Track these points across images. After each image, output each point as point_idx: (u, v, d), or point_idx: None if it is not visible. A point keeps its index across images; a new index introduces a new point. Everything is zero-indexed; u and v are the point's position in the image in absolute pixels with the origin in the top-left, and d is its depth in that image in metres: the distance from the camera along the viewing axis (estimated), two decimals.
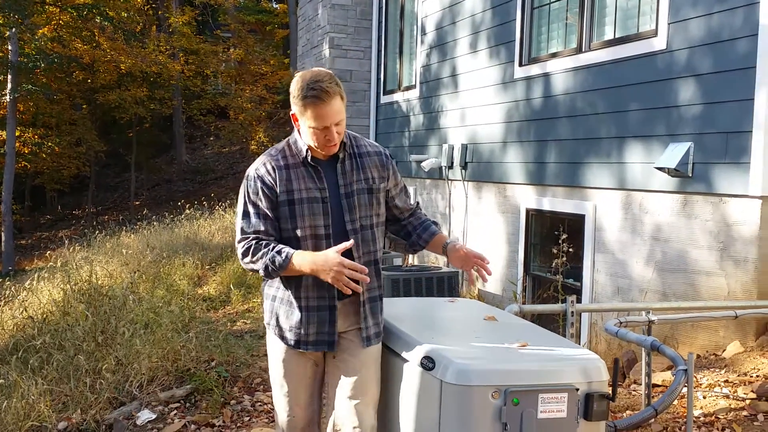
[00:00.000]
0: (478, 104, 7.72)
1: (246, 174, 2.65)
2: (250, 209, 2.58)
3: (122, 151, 23.52)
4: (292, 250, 2.51)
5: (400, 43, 9.88)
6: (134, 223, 14.54)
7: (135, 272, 8.08)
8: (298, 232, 2.56)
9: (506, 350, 2.49)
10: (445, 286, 6.66)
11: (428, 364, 2.41)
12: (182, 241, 11.52)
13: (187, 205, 14.52)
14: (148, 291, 7.72)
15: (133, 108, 20.69)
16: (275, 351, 2.71)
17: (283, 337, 2.65)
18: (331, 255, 2.46)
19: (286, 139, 2.71)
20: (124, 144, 23.25)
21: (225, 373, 5.02)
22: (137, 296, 6.82)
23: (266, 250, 2.52)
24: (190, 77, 21.85)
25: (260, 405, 4.69)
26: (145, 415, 4.58)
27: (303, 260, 2.49)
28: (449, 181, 8.31)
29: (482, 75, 7.62)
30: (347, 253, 2.54)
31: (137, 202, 21.57)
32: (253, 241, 2.55)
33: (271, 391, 4.80)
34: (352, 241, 2.52)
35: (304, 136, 2.58)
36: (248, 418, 4.50)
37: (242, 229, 2.59)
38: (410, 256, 8.00)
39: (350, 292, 2.46)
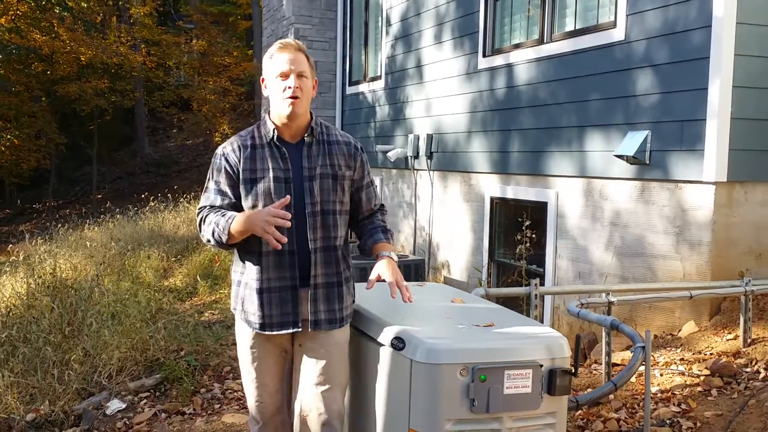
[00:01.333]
0: (443, 95, 7.80)
1: (215, 152, 2.72)
2: (211, 185, 2.65)
3: (83, 144, 23.10)
4: (236, 213, 2.54)
5: (365, 34, 9.91)
6: (97, 217, 14.34)
7: (101, 264, 8.00)
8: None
9: (473, 330, 2.56)
10: (412, 273, 6.76)
11: (398, 344, 2.48)
12: (147, 233, 11.43)
13: (151, 198, 14.36)
14: (114, 283, 7.66)
15: (94, 100, 20.30)
16: (243, 337, 2.72)
17: (249, 322, 2.66)
18: (264, 209, 2.50)
19: (257, 122, 2.76)
20: (85, 137, 22.84)
21: (194, 362, 5.04)
22: (103, 288, 6.77)
23: (215, 215, 2.57)
24: (152, 69, 21.51)
25: (230, 392, 4.72)
26: (115, 405, 4.57)
27: (241, 218, 2.51)
28: (415, 171, 8.39)
29: (447, 66, 7.70)
30: (302, 235, 2.59)
31: (99, 196, 21.25)
32: (206, 211, 2.61)
33: (241, 378, 4.85)
34: (288, 197, 2.50)
35: (272, 98, 2.63)
36: (219, 406, 4.52)
37: (202, 203, 2.67)
38: None
39: (279, 247, 2.46)
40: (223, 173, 2.62)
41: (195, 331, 5.77)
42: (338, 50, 10.47)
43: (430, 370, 2.37)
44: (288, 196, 2.52)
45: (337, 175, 2.67)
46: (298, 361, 2.71)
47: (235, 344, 5.84)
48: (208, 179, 2.68)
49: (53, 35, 19.67)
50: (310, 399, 2.65)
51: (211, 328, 6.26)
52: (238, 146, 2.64)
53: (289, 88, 2.57)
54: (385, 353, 2.57)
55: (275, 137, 2.63)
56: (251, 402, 2.77)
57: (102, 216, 13.91)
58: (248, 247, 2.62)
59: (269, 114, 2.69)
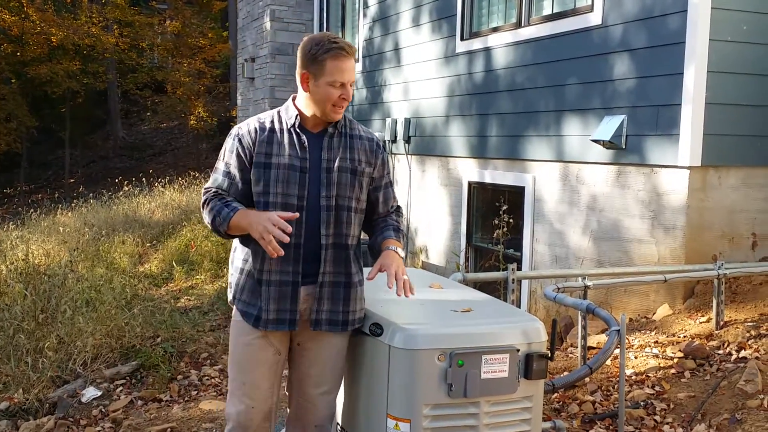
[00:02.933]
0: (420, 78, 7.79)
1: (230, 132, 2.59)
2: (221, 166, 2.54)
3: (55, 127, 22.77)
4: (240, 206, 2.46)
5: (343, 17, 9.86)
6: (70, 201, 14.18)
7: (74, 250, 7.93)
8: (269, 198, 2.46)
9: (451, 315, 2.58)
10: None
11: (376, 330, 2.49)
12: (121, 218, 11.33)
13: (125, 182, 14.23)
14: (88, 269, 7.60)
15: (66, 82, 20.02)
16: (238, 334, 2.57)
17: (245, 313, 2.53)
18: (269, 213, 2.39)
19: (278, 108, 2.64)
20: (57, 119, 22.51)
21: (171, 349, 5.03)
22: (77, 275, 6.72)
23: (219, 202, 2.46)
24: (125, 50, 21.20)
25: (207, 379, 4.72)
26: (90, 393, 4.56)
27: (244, 214, 2.42)
28: (393, 156, 8.39)
29: (425, 49, 7.69)
30: (312, 229, 2.49)
31: (72, 180, 21.00)
32: (212, 194, 2.50)
33: (218, 365, 4.86)
34: (297, 214, 2.41)
35: (316, 98, 2.49)
36: (196, 392, 4.53)
37: (208, 184, 2.57)
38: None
39: (275, 256, 2.35)
40: (235, 155, 2.51)
41: (171, 317, 5.75)
42: (315, 32, 10.37)
43: (408, 356, 2.38)
44: (296, 213, 2.42)
45: (357, 170, 2.56)
46: (296, 361, 2.62)
47: (211, 330, 5.85)
48: (220, 159, 2.56)
49: (23, 15, 19.32)
50: (305, 402, 2.61)
51: (188, 314, 6.25)
52: (255, 128, 2.52)
53: (344, 99, 2.48)
54: (364, 340, 2.58)
55: (297, 124, 2.53)
56: (239, 407, 2.54)
57: (75, 201, 13.76)
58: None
59: (294, 100, 2.58)
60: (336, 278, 2.55)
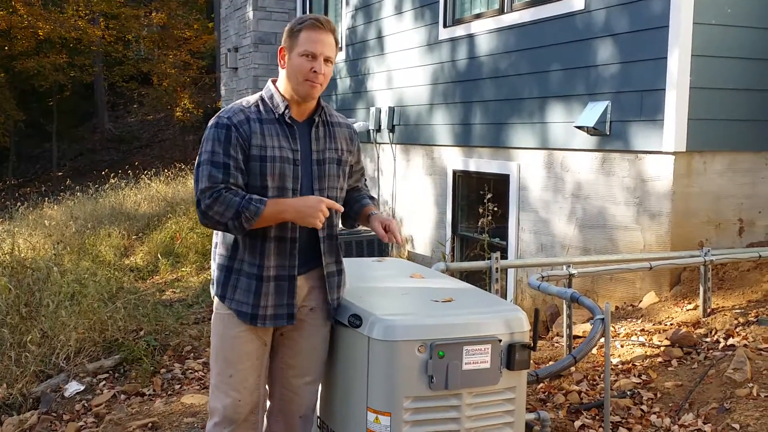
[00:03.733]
0: (404, 66, 7.69)
1: (215, 122, 2.40)
2: (220, 158, 2.33)
3: (42, 121, 22.53)
4: (263, 198, 2.33)
5: (325, 5, 9.73)
6: (57, 194, 14.04)
7: (58, 243, 7.81)
8: (266, 192, 2.37)
9: (432, 305, 2.51)
10: (375, 247, 6.70)
11: (355, 321, 2.42)
12: (107, 211, 11.20)
13: (112, 175, 14.08)
14: (73, 263, 7.48)
15: (53, 75, 19.80)
16: (225, 328, 2.46)
17: (240, 312, 2.43)
18: (311, 197, 2.35)
19: (258, 94, 2.52)
20: (45, 113, 22.27)
21: (154, 342, 4.94)
22: (62, 268, 6.61)
23: (237, 198, 2.30)
24: (111, 43, 20.99)
25: (191, 372, 4.64)
26: (73, 387, 4.47)
27: (279, 204, 2.32)
28: (377, 145, 8.30)
29: (408, 37, 7.59)
30: (314, 231, 2.45)
31: (60, 173, 20.79)
32: (223, 190, 2.31)
33: (202, 358, 4.77)
34: (342, 208, 2.44)
35: (289, 73, 2.40)
36: (179, 386, 4.44)
37: (210, 176, 2.32)
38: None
39: (319, 227, 2.34)
40: (234, 145, 2.34)
41: (155, 310, 5.65)
42: None
43: (387, 348, 2.31)
44: (342, 207, 2.44)
45: (341, 160, 2.54)
46: (279, 351, 2.56)
47: (195, 323, 5.75)
48: (213, 151, 2.34)
49: (10, 10, 19.08)
50: (288, 392, 2.56)
51: (172, 307, 6.16)
52: (247, 118, 2.38)
53: (314, 72, 2.37)
54: (343, 331, 2.51)
55: (288, 113, 2.43)
56: (225, 401, 2.46)
57: (62, 194, 13.61)
58: (251, 230, 2.39)
59: (275, 84, 2.49)
60: (330, 267, 2.54)
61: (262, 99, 2.48)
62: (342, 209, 2.45)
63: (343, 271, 2.60)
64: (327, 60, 2.41)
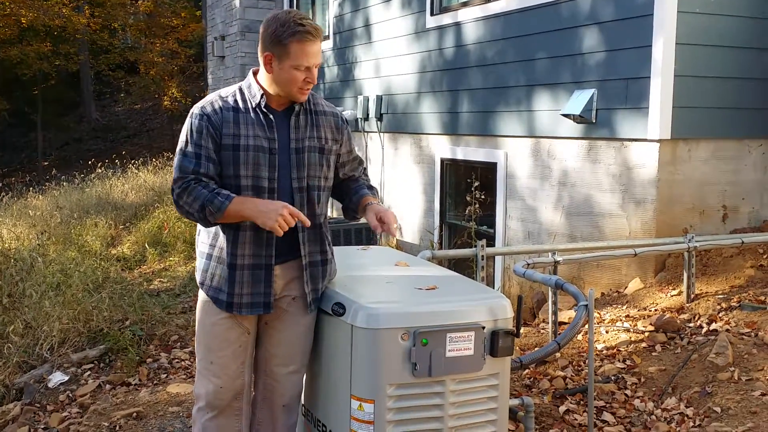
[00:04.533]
0: (391, 55, 7.67)
1: (191, 111, 2.44)
2: (191, 149, 2.36)
3: (27, 110, 22.31)
4: (232, 193, 2.34)
5: None
6: (43, 184, 13.94)
7: (43, 233, 7.75)
8: (240, 182, 2.37)
9: (415, 293, 2.51)
10: (363, 236, 6.69)
11: (339, 310, 2.42)
12: (94, 201, 11.13)
13: (99, 164, 13.98)
14: (59, 252, 7.44)
15: (37, 64, 19.56)
16: (206, 315, 2.49)
17: (217, 300, 2.45)
18: (278, 201, 2.33)
19: (238, 84, 2.52)
20: (29, 102, 22.04)
21: (140, 332, 4.92)
22: (47, 258, 6.57)
23: (206, 191, 2.32)
24: (97, 31, 20.74)
25: (177, 362, 4.62)
26: (57, 377, 4.44)
27: (244, 203, 2.32)
28: (365, 133, 8.28)
29: (395, 25, 7.56)
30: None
31: (46, 163, 20.63)
32: (192, 181, 2.33)
33: (189, 347, 4.75)
34: (308, 223, 2.38)
35: (279, 81, 2.39)
36: (165, 375, 4.43)
37: (181, 167, 2.36)
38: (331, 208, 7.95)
39: (281, 233, 2.31)
40: (206, 135, 2.35)
41: (141, 300, 5.63)
42: (283, 9, 10.20)
43: (370, 336, 2.31)
44: (309, 222, 2.38)
45: (324, 149, 2.50)
46: (263, 340, 2.56)
47: (183, 312, 5.74)
48: (186, 141, 2.37)
49: None
50: (272, 381, 2.56)
51: (159, 297, 6.13)
52: (221, 107, 2.39)
53: (309, 82, 2.38)
54: (326, 320, 2.51)
55: (263, 103, 2.42)
56: (208, 387, 2.48)
57: (47, 183, 13.52)
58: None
59: (256, 75, 2.47)
60: (314, 257, 2.51)
61: (240, 89, 2.48)
62: (309, 223, 2.37)
63: (330, 261, 2.58)
64: (317, 66, 2.41)
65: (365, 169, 2.81)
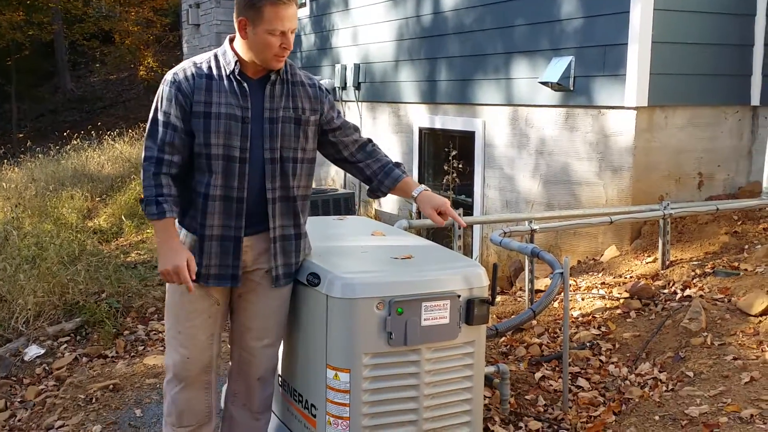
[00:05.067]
0: (369, 22, 7.57)
1: (164, 78, 2.39)
2: (160, 117, 2.32)
3: (1, 81, 21.91)
4: (170, 211, 2.29)
5: None
6: (17, 156, 13.72)
7: (17, 206, 7.64)
8: (210, 150, 2.32)
9: (391, 263, 2.50)
10: (342, 206, 6.66)
11: (314, 280, 2.40)
12: (70, 173, 10.98)
13: (74, 136, 13.77)
14: (34, 225, 7.34)
15: (10, 34, 19.16)
16: (175, 285, 2.44)
17: None
18: (183, 254, 2.29)
19: (214, 51, 2.45)
20: (3, 73, 21.61)
21: (117, 304, 4.88)
22: (22, 231, 6.48)
23: (154, 189, 2.28)
24: (71, 0, 20.38)
25: (155, 334, 4.60)
26: (33, 351, 4.41)
27: (163, 231, 2.29)
28: (343, 103, 8.20)
29: None
30: (255, 182, 2.37)
31: (20, 134, 20.29)
32: (154, 167, 2.30)
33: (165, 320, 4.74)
34: (191, 287, 2.31)
35: (254, 46, 2.32)
36: (143, 347, 4.41)
37: (150, 134, 2.33)
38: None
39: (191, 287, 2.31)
40: (174, 103, 2.31)
41: (117, 272, 5.57)
42: None
43: (346, 305, 2.30)
44: (191, 286, 2.32)
45: (301, 119, 2.43)
46: (237, 313, 2.53)
47: (160, 284, 5.69)
48: (156, 109, 2.34)
49: None
50: (247, 354, 2.53)
51: (136, 269, 6.08)
52: (193, 74, 2.33)
53: (285, 48, 2.31)
54: (302, 290, 2.49)
55: (237, 70, 2.35)
56: (175, 357, 2.47)
57: (22, 155, 13.31)
58: (193, 186, 2.38)
59: (232, 42, 2.40)
60: (286, 231, 2.46)
61: (215, 56, 2.41)
62: (191, 288, 2.31)
63: (304, 235, 2.53)
64: (292, 32, 2.33)
65: (370, 139, 2.70)
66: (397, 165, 2.63)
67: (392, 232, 3.08)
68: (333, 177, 8.56)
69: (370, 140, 2.69)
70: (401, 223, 3.75)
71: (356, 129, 2.68)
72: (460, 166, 6.00)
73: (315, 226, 2.84)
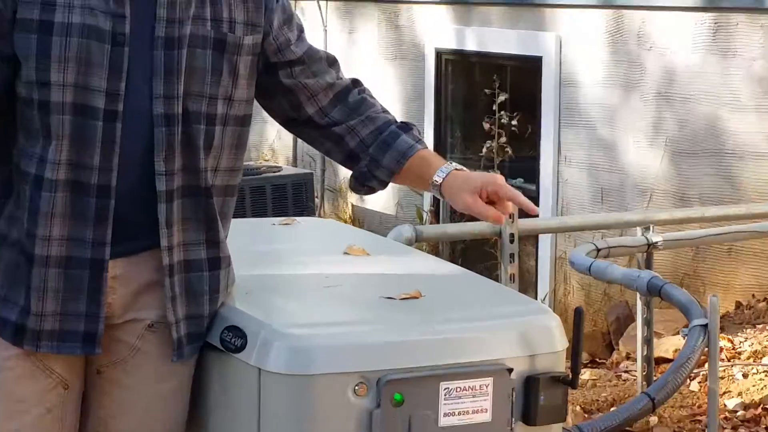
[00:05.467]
0: None
1: None
2: None
3: None
4: None
5: None
6: None
7: None
8: (49, 94, 2.33)
9: (381, 307, 2.54)
10: (289, 196, 6.67)
11: (233, 340, 2.41)
12: None
13: None
14: None
15: None
16: None
17: (3, 321, 2.42)
18: None
19: None
20: None
21: None
22: None
23: None
24: None
25: None
26: None
27: None
28: (294, 2, 8.25)
29: None
30: (132, 156, 2.37)
31: None
32: None
33: None
34: None
35: None
36: None
37: None
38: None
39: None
40: None
41: None
42: None
43: (295, 387, 2.32)
44: None
45: (226, 42, 2.45)
46: (94, 401, 2.55)
47: None
48: None
49: None
50: None
51: None
52: None
53: None
54: (213, 359, 2.52)
55: None
56: None
57: None
58: (16, 163, 2.41)
59: None
60: (192, 253, 2.48)
61: None
62: None
63: (226, 262, 2.56)
64: None
65: (357, 80, 2.72)
66: (405, 127, 2.65)
67: (384, 248, 3.15)
68: (272, 145, 8.59)
69: (355, 83, 2.70)
70: (401, 230, 3.77)
71: (331, 61, 2.69)
72: (514, 123, 6.03)
73: (243, 237, 2.91)
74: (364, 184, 2.68)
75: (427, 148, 2.67)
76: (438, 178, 2.57)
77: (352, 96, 2.65)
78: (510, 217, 2.92)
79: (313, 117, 2.63)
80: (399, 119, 2.68)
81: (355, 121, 2.62)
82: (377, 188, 2.70)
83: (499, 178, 2.57)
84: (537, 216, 2.53)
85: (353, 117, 2.63)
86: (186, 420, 2.58)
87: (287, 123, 2.69)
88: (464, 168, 2.62)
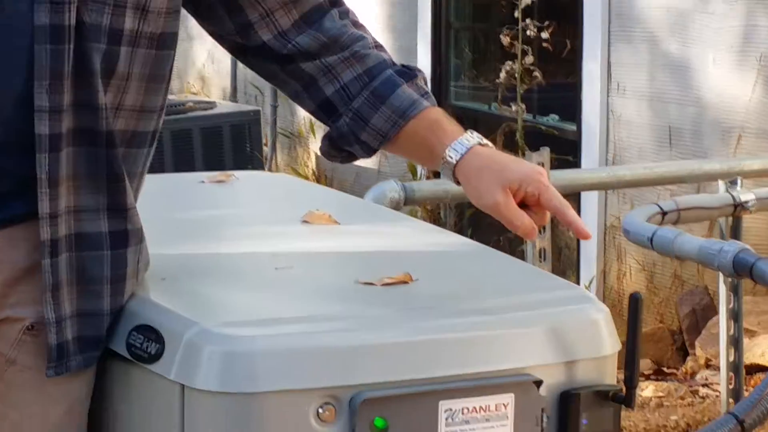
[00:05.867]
0: None
1: None
2: None
3: None
4: None
5: None
6: None
7: None
8: None
9: (354, 296, 2.58)
10: (225, 143, 6.69)
11: (145, 345, 2.43)
12: None
13: None
14: None
15: None
16: None
17: None
18: None
19: None
20: None
21: None
22: None
23: None
24: None
25: None
26: None
27: None
28: None
29: None
30: (15, 91, 2.35)
31: None
32: None
33: None
34: None
35: None
36: None
37: None
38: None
39: None
40: None
41: None
42: None
43: (234, 411, 2.34)
44: None
45: None
46: None
47: None
48: None
49: None
50: None
51: None
52: None
53: None
54: (121, 371, 2.54)
55: None
56: None
57: None
58: None
59: None
60: (85, 223, 2.49)
61: None
62: None
63: (133, 235, 2.58)
64: None
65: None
66: (407, 73, 2.65)
67: (360, 213, 3.19)
68: (202, 71, 8.63)
69: (333, 1, 2.69)
70: (384, 190, 3.77)
71: None
72: (545, 36, 6.06)
73: (157, 202, 2.94)
74: (342, 148, 2.67)
75: (436, 105, 2.60)
76: (452, 155, 2.54)
77: (330, 20, 2.63)
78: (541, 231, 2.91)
79: (269, 43, 2.62)
80: (387, 34, 2.71)
81: (335, 58, 2.61)
82: (360, 156, 2.69)
83: (543, 174, 2.51)
84: (588, 239, 2.43)
85: (332, 51, 2.62)
86: None
87: (236, 52, 2.70)
88: (490, 143, 2.59)
